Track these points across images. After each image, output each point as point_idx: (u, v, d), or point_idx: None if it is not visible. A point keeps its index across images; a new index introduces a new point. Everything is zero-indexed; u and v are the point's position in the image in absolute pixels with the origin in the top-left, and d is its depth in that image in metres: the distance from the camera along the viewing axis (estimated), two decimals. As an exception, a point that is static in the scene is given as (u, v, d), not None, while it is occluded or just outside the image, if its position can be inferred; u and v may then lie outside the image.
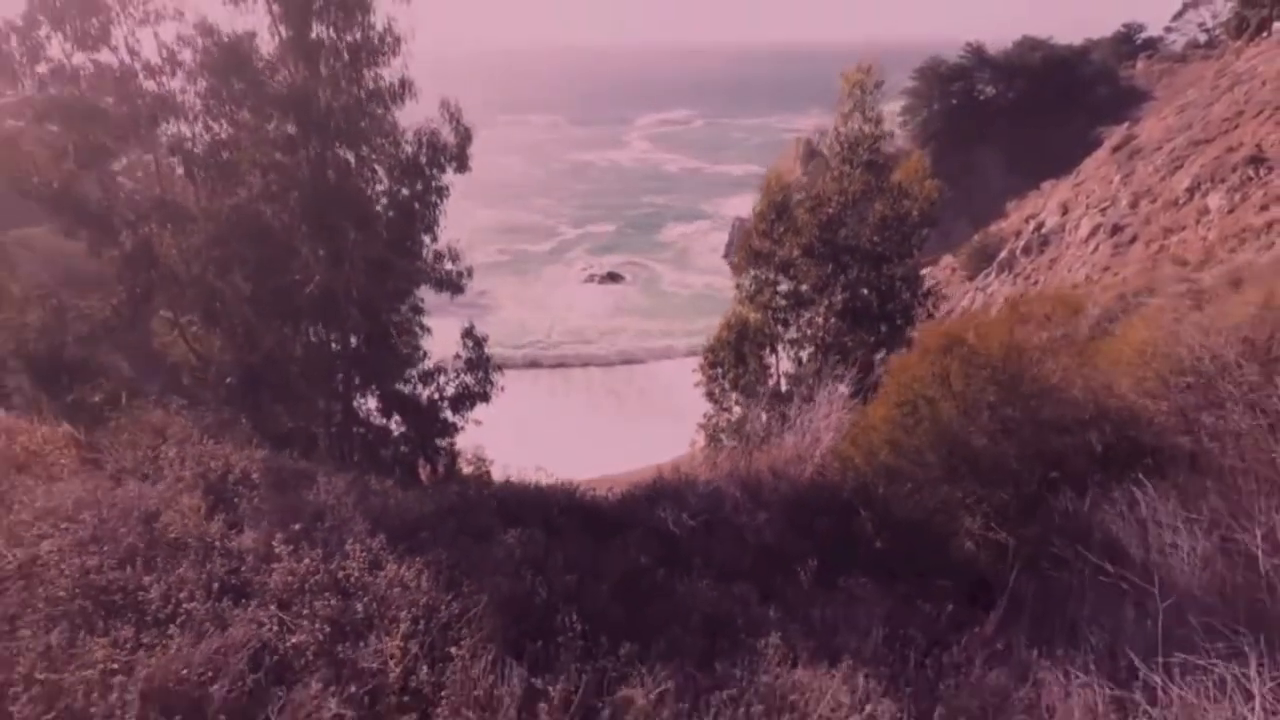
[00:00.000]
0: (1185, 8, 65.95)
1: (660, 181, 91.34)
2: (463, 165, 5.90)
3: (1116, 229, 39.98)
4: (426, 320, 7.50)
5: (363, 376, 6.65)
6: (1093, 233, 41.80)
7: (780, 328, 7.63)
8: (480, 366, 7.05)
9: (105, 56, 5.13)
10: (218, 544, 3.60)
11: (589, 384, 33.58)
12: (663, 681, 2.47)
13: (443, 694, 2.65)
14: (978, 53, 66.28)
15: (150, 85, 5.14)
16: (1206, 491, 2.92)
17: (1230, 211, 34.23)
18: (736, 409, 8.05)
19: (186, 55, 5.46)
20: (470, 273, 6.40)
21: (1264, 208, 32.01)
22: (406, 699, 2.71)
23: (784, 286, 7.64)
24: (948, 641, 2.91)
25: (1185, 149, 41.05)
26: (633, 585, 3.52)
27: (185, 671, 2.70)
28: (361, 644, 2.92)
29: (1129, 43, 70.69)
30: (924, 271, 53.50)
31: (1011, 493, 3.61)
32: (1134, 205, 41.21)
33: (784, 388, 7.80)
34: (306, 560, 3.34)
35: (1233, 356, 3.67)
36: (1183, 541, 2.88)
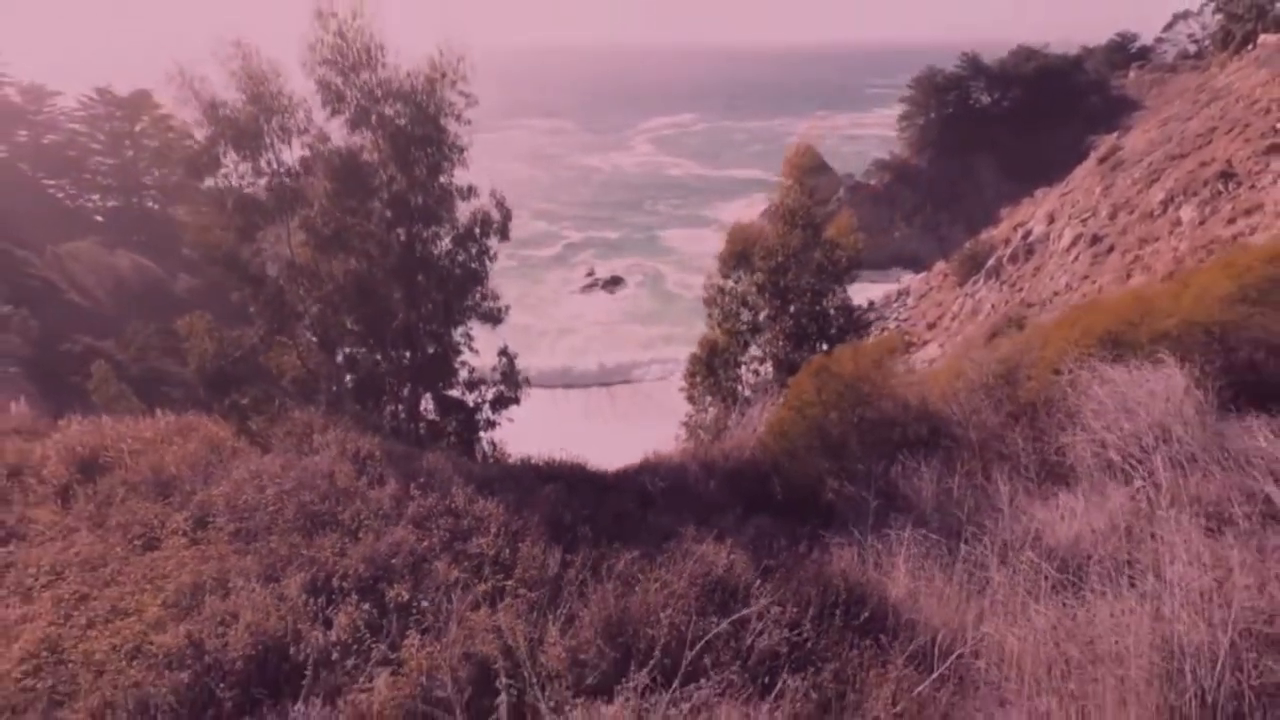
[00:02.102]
0: (1175, 19, 68.22)
1: (663, 186, 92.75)
2: (504, 235, 8.23)
3: (1096, 239, 42.04)
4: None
5: (425, 385, 8.94)
6: (1074, 242, 43.83)
7: (742, 348, 10.00)
8: (512, 377, 9.41)
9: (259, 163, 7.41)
10: (369, 492, 5.88)
11: (592, 396, 35.77)
12: (635, 554, 4.78)
13: (518, 562, 4.92)
14: (973, 62, 68.25)
15: (289, 182, 7.42)
16: (937, 457, 5.22)
17: (1201, 224, 36.41)
18: (711, 410, 10.37)
19: (307, 152, 7.75)
20: (507, 309, 8.75)
21: (1231, 221, 34.30)
22: (497, 566, 4.97)
23: (745, 315, 10.00)
24: (799, 541, 5.22)
25: (1163, 162, 43.13)
26: (622, 517, 5.77)
27: (379, 550, 4.98)
28: (469, 541, 5.19)
29: (1123, 51, 72.72)
30: (921, 275, 54.82)
31: (856, 465, 5.89)
32: (1113, 216, 43.24)
33: (747, 394, 10.11)
34: (430, 499, 5.64)
35: (991, 378, 5.96)
36: (926, 485, 5.18)
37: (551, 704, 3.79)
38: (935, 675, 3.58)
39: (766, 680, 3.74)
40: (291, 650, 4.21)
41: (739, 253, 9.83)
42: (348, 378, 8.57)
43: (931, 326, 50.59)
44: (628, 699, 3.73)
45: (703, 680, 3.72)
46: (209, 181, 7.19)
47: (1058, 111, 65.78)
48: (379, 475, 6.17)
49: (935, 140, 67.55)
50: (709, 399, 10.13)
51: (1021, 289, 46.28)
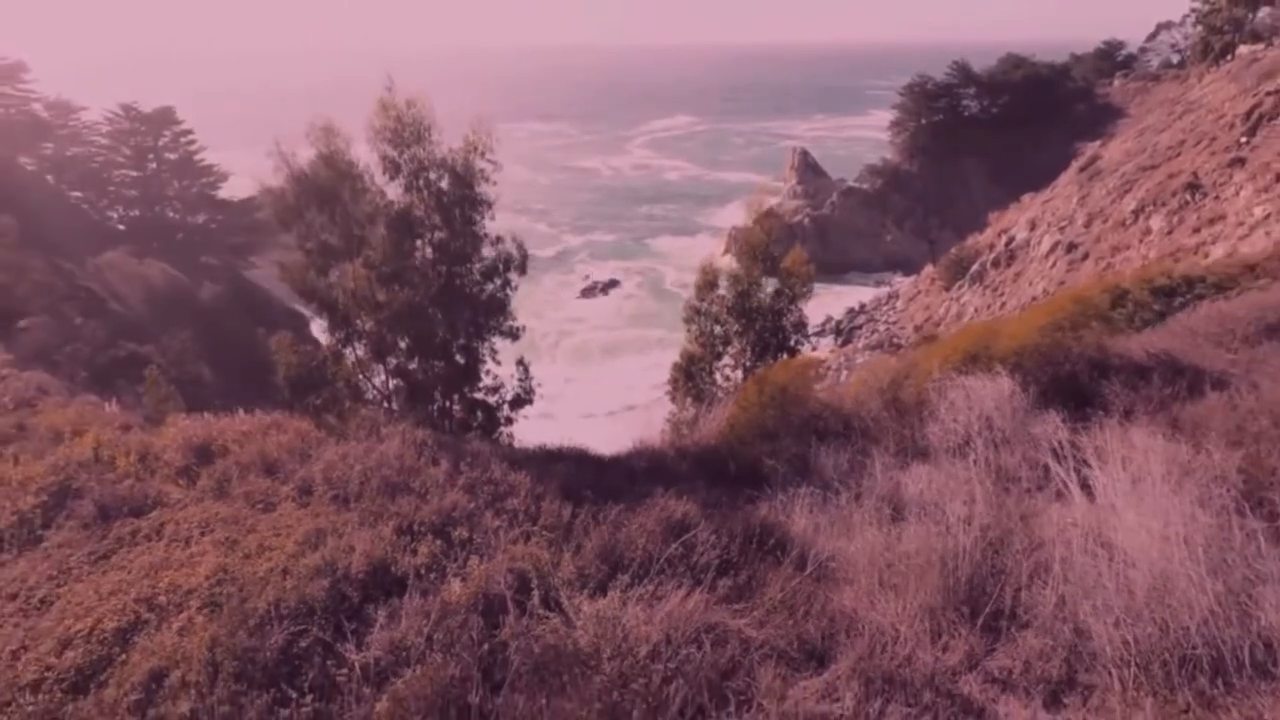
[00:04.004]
0: (1159, 29, 70.59)
1: (660, 190, 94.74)
2: (523, 270, 10.40)
3: (1072, 246, 44.20)
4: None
5: (456, 389, 11.07)
6: (1052, 249, 45.99)
7: (715, 358, 12.19)
8: (527, 381, 11.60)
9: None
10: (429, 469, 7.98)
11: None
12: (621, 507, 6.96)
13: (541, 513, 7.04)
14: (963, 70, 70.49)
15: (356, 230, 9.56)
16: (840, 442, 7.39)
17: (1169, 233, 38.65)
18: (690, 410, 12.53)
19: (370, 208, 9.90)
20: (524, 328, 10.91)
21: (1196, 230, 36.59)
22: (526, 517, 7.09)
23: (718, 331, 12.18)
24: (738, 499, 7.40)
25: (1135, 173, 45.31)
26: (615, 486, 7.91)
27: (443, 507, 7.11)
28: (505, 501, 7.30)
29: (1109, 59, 75.04)
30: (911, 279, 57.35)
31: (785, 449, 8.07)
32: (1088, 224, 45.36)
33: (720, 395, 12.29)
34: (475, 472, 7.75)
35: (886, 384, 8.14)
36: (828, 459, 7.36)
37: (567, 596, 5.96)
38: (807, 572, 5.77)
39: (704, 579, 5.92)
40: (393, 568, 6.35)
41: (711, 281, 12.04)
42: (393, 383, 10.75)
43: (919, 329, 52.59)
44: (616, 593, 5.90)
45: (663, 580, 5.90)
46: (294, 230, 9.37)
47: (1045, 119, 68.02)
48: (434, 457, 8.29)
49: (926, 146, 69.81)
50: (688, 400, 12.31)
51: (1003, 293, 48.31)
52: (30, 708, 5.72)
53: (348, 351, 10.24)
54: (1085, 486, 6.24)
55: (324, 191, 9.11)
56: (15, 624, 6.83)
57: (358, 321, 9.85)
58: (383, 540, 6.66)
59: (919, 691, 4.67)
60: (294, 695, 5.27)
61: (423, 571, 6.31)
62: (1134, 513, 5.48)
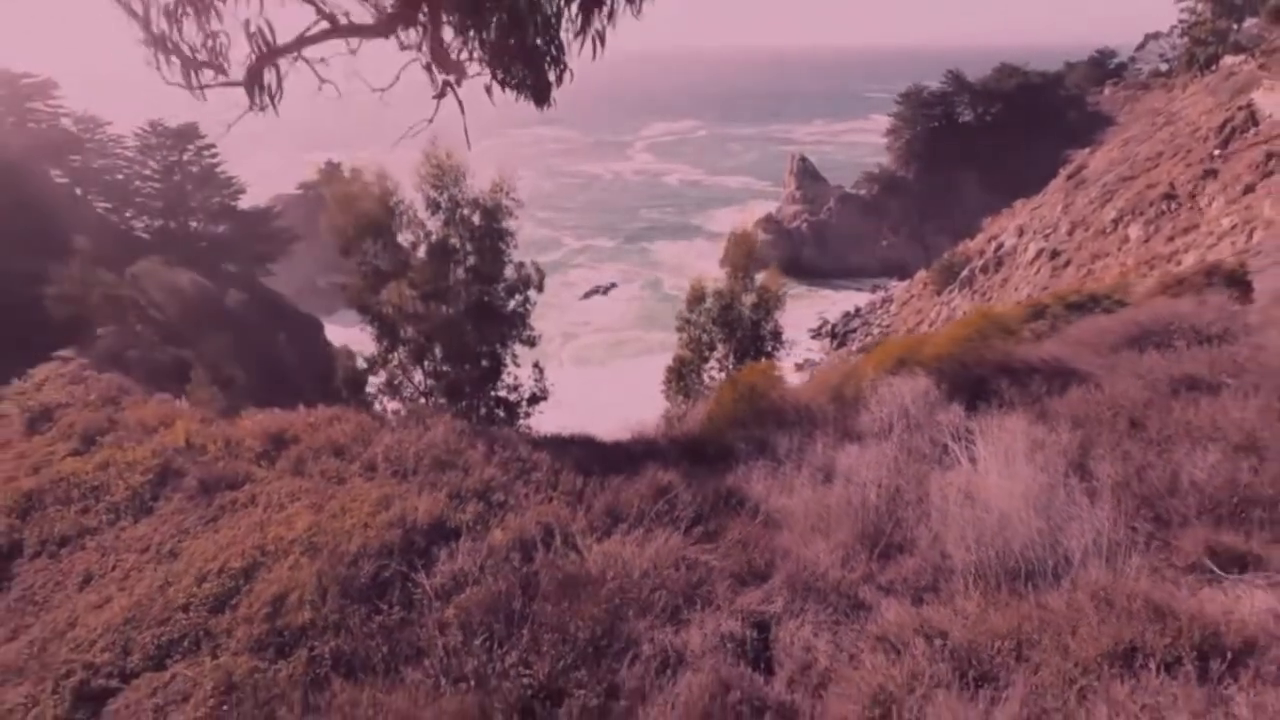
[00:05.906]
0: (1147, 39, 72.56)
1: (661, 195, 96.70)
2: (540, 289, 12.50)
3: (1055, 253, 46.18)
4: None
5: (482, 388, 13.15)
6: (1037, 256, 47.94)
7: (703, 361, 14.28)
8: (541, 382, 13.69)
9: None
10: (469, 450, 10.04)
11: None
12: (621, 478, 9.05)
13: (560, 483, 9.07)
14: (957, 78, 72.46)
15: (402, 256, 11.65)
16: (793, 429, 9.46)
17: (1146, 241, 40.66)
18: (680, 406, 14.60)
19: (414, 237, 11.99)
20: (541, 336, 13.02)
21: (1171, 239, 38.62)
22: (549, 486, 9.12)
23: (705, 338, 14.26)
24: (712, 473, 9.49)
25: (1116, 183, 47.33)
26: (616, 463, 10.01)
27: (483, 479, 9.15)
28: (531, 475, 9.33)
29: (1101, 67, 77.02)
30: (905, 283, 59.31)
31: (752, 434, 10.15)
32: (1071, 232, 47.37)
33: (706, 393, 14.35)
34: (507, 452, 9.79)
35: (834, 382, 10.22)
36: (782, 441, 9.45)
37: (581, 540, 8.04)
38: (758, 521, 7.84)
39: (682, 527, 8.00)
40: (448, 522, 8.41)
41: (700, 296, 14.15)
42: (428, 383, 12.87)
43: (911, 332, 54.64)
44: (617, 537, 7.98)
45: (652, 528, 7.98)
46: (352, 257, 11.50)
47: (1038, 126, 69.93)
48: (472, 441, 10.37)
49: (921, 153, 71.72)
50: (680, 398, 14.40)
51: (991, 298, 50.23)
52: (184, 621, 7.80)
53: (392, 357, 12.35)
54: (972, 459, 8.29)
55: (377, 225, 11.22)
56: (154, 568, 8.93)
57: (401, 331, 11.94)
58: (439, 502, 8.71)
59: (828, 595, 6.70)
60: (384, 607, 7.30)
61: (471, 524, 8.35)
62: (997, 476, 7.55)
